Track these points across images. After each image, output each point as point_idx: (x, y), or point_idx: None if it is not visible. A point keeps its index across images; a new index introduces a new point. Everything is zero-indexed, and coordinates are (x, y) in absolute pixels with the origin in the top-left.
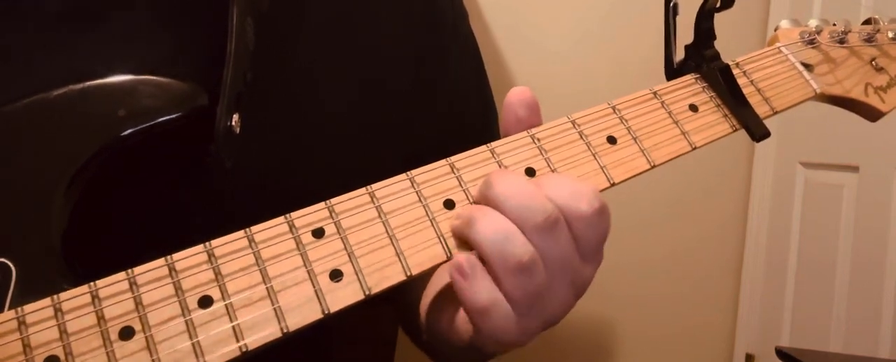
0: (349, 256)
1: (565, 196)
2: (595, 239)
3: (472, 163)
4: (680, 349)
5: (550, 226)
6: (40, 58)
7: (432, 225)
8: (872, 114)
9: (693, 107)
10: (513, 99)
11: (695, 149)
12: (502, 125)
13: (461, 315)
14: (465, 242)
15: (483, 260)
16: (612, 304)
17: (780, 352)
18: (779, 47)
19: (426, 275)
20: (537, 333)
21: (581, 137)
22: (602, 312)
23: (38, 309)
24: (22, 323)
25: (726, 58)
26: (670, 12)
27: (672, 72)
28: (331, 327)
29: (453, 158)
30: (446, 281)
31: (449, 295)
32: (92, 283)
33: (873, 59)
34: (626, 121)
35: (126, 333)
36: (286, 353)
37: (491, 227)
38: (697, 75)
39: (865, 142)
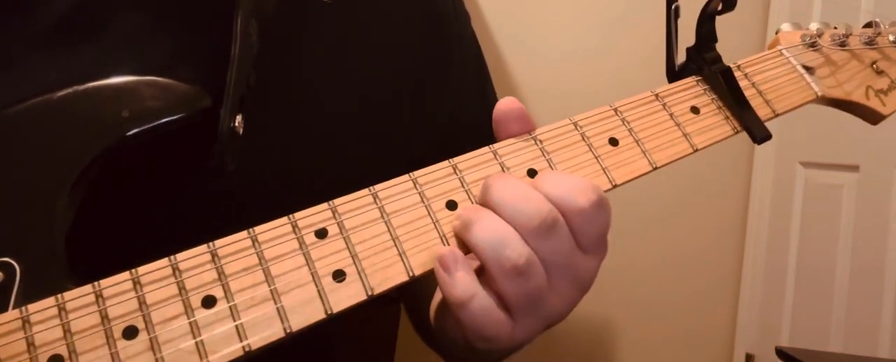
0: (352, 257)
1: (563, 192)
2: (595, 232)
3: (475, 164)
4: (680, 349)
5: (547, 228)
6: (45, 61)
7: (435, 226)
8: (873, 117)
9: (694, 110)
10: (505, 116)
11: (696, 150)
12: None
13: None
14: (464, 244)
15: (481, 262)
16: (612, 305)
17: (779, 352)
18: (780, 50)
19: (433, 277)
20: (540, 332)
21: (583, 139)
22: (602, 313)
23: (43, 309)
24: (26, 322)
25: (726, 60)
26: (672, 15)
27: (673, 74)
28: (332, 326)
29: (456, 159)
30: None
31: None
32: (96, 283)
33: (874, 63)
34: (628, 122)
35: (130, 332)
36: (288, 353)
37: (487, 231)
38: (699, 78)
39: (865, 142)
